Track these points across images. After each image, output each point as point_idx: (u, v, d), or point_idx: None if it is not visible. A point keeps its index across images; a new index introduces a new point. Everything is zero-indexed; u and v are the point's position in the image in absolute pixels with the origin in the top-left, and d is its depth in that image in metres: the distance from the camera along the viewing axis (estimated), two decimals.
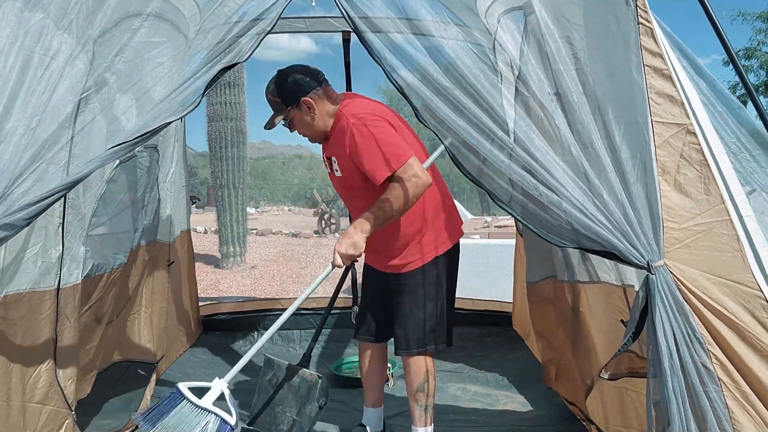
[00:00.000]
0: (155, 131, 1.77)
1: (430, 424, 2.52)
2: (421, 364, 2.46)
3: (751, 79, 16.31)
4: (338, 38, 3.87)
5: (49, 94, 1.88)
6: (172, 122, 1.82)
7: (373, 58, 1.84)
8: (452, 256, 2.44)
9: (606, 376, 1.77)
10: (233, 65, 1.85)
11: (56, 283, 2.08)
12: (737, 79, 16.18)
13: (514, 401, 3.12)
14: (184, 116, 1.85)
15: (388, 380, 3.46)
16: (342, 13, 1.84)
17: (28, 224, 1.72)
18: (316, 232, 14.80)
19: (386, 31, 1.84)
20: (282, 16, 3.31)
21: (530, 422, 2.82)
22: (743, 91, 16.15)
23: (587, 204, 1.67)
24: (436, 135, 1.84)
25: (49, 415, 2.09)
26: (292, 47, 77.06)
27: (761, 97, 16.33)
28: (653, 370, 1.60)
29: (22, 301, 1.94)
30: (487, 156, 1.76)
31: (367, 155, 2.17)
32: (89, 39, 1.95)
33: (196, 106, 1.80)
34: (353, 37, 3.62)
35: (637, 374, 1.75)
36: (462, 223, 2.55)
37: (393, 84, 1.87)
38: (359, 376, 3.56)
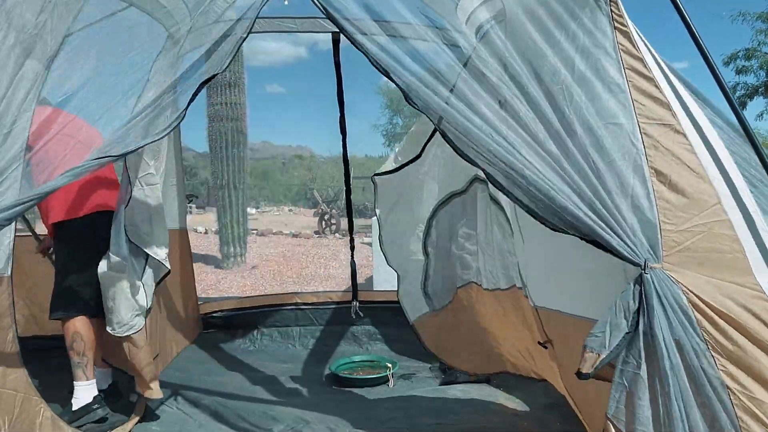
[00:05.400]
0: (137, 150, 1.83)
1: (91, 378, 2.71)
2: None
3: (751, 79, 16.27)
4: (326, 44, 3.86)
5: (22, 98, 1.92)
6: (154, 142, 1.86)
7: (366, 57, 1.84)
8: None
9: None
10: (212, 77, 1.87)
11: (9, 270, 2.14)
12: (736, 80, 16.17)
13: (514, 401, 3.13)
14: (164, 136, 1.86)
15: (388, 380, 3.47)
16: (324, 13, 1.83)
17: (8, 224, 1.82)
18: (316, 233, 14.79)
19: (369, 32, 1.83)
20: (272, 17, 3.31)
21: (529, 422, 2.83)
22: (742, 92, 16.17)
23: (576, 200, 1.65)
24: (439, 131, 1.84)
25: (23, 402, 2.14)
26: (287, 50, 77.12)
27: (761, 98, 16.31)
28: (638, 374, 1.58)
29: None
30: (488, 148, 1.76)
31: None
32: (64, 40, 1.99)
33: (180, 122, 1.84)
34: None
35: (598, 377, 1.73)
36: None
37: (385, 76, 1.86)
38: (359, 376, 3.58)
